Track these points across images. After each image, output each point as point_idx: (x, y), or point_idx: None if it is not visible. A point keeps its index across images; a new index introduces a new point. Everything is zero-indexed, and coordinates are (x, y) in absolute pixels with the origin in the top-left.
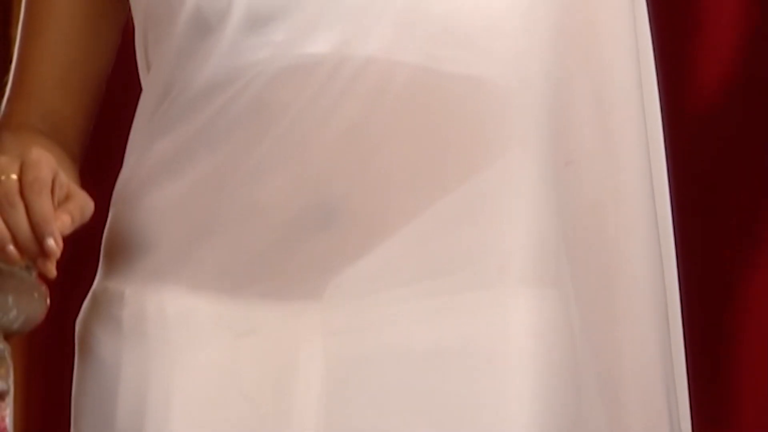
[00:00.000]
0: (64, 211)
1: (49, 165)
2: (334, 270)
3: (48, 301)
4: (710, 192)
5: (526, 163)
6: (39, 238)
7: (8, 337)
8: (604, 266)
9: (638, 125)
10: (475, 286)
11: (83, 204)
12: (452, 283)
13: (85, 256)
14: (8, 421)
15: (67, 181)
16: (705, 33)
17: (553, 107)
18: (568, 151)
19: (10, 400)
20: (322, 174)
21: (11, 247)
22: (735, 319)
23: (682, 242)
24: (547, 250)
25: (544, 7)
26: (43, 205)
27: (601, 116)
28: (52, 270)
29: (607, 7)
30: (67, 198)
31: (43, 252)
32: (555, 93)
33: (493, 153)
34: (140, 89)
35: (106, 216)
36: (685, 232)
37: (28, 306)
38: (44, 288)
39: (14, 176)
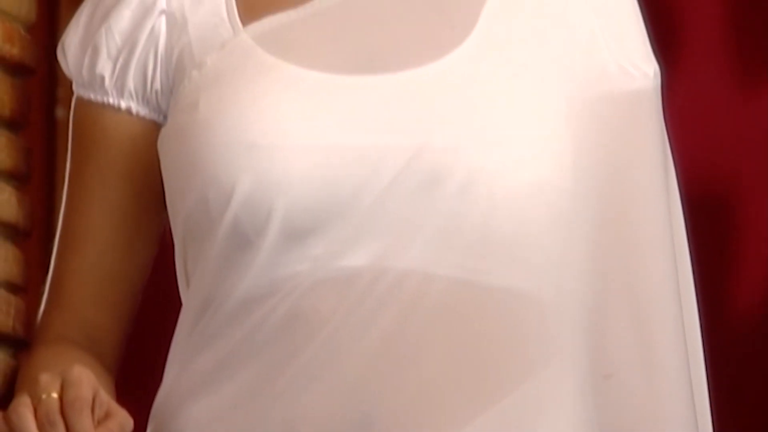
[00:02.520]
0: (104, 430)
1: (89, 383)
2: None
3: None
4: (751, 406)
5: (565, 376)
6: None
7: None
8: None
9: (678, 338)
10: None
11: (123, 422)
12: None
13: None
14: None
15: (107, 398)
16: (747, 243)
17: (592, 320)
18: (607, 364)
19: None
20: (359, 386)
21: None
22: None
23: None
24: None
25: (582, 221)
26: (84, 424)
27: (640, 329)
28: None
29: (646, 222)
30: (107, 416)
31: None
32: (593, 305)
33: (532, 367)
34: (178, 302)
35: (144, 430)
36: None
37: None
38: None
39: (55, 395)
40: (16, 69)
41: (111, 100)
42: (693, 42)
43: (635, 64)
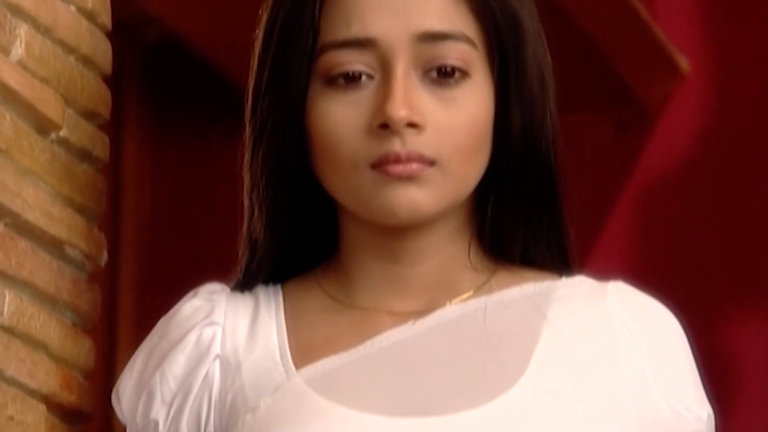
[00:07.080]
0: None
1: None
2: None
3: None
4: None
5: None
6: None
7: None
8: None
9: None
10: None
11: None
12: None
13: None
14: None
15: None
16: None
17: None
18: None
19: None
20: None
21: None
22: None
23: None
24: None
25: None
26: None
27: None
28: None
29: None
30: None
31: None
32: None
33: None
34: None
35: None
36: None
37: None
38: None
39: None
40: (73, 416)
41: None
42: (749, 386)
43: (688, 407)
